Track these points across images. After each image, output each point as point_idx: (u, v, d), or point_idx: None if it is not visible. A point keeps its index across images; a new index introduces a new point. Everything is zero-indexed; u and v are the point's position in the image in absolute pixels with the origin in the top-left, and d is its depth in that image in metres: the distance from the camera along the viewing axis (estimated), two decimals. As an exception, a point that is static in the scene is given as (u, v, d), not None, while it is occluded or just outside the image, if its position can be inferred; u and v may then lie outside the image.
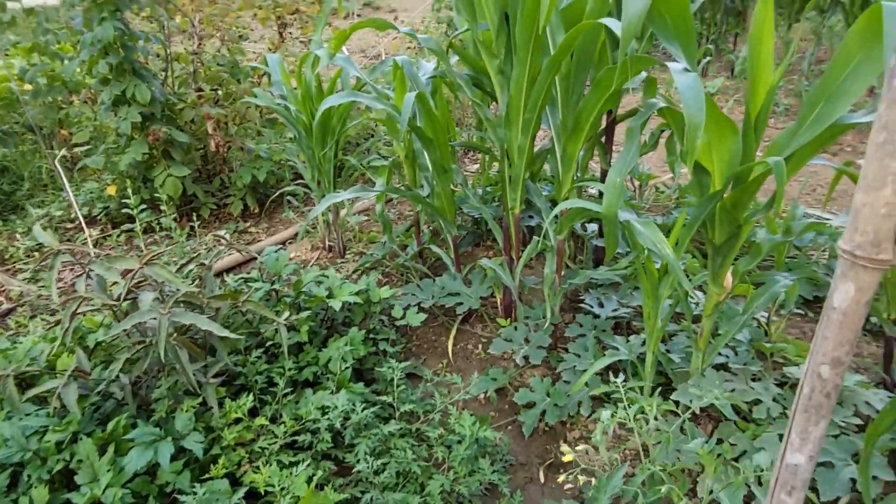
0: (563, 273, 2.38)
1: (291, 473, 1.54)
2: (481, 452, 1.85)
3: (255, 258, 3.19)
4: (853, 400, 1.95)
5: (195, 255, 2.19)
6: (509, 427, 2.16)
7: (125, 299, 1.82)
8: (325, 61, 2.51)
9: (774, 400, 1.90)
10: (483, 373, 2.27)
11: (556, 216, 2.16)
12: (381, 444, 1.77)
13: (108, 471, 1.52)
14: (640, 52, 2.28)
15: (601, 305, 2.43)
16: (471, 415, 1.79)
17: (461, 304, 2.49)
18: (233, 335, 1.66)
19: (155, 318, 1.59)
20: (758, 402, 1.90)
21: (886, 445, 1.71)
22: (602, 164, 2.67)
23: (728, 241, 1.74)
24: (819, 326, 0.46)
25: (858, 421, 1.81)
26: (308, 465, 1.62)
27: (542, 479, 1.97)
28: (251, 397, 1.78)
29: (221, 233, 2.23)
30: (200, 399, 1.77)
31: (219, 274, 3.25)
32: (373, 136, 4.48)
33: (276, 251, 2.38)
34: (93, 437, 1.62)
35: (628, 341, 2.17)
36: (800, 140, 1.49)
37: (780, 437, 1.77)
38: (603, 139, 2.59)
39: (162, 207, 3.43)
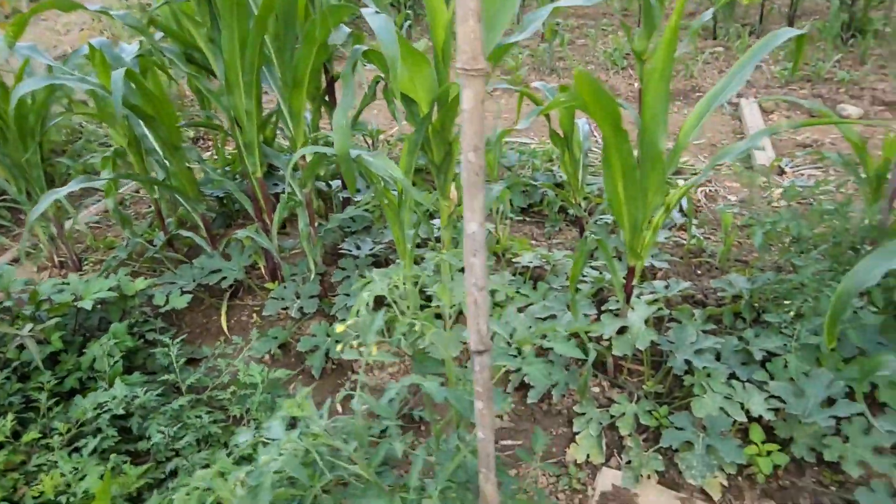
0: (317, 226, 2.53)
1: (81, 471, 1.48)
2: (274, 399, 1.95)
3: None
4: (564, 269, 2.47)
5: None
6: (300, 377, 2.27)
7: None
8: (5, 52, 2.26)
9: (508, 284, 2.32)
10: (263, 335, 2.34)
11: (297, 170, 2.29)
12: (172, 420, 1.76)
13: None
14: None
15: (358, 248, 2.65)
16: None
17: (225, 278, 2.50)
18: (-31, 352, 1.50)
19: None
20: (494, 291, 2.30)
21: (588, 291, 2.22)
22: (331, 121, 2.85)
23: (445, 159, 2.05)
24: (462, 125, 0.68)
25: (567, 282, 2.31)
26: (97, 464, 1.55)
27: (340, 410, 2.14)
28: (10, 418, 1.63)
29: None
30: (-56, 438, 1.57)
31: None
32: (81, 137, 4.06)
33: (-4, 268, 2.12)
34: None
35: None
36: (476, 63, 1.82)
37: (518, 309, 2.19)
38: (327, 98, 2.76)
39: None
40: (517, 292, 2.29)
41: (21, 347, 1.89)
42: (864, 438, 1.69)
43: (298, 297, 2.42)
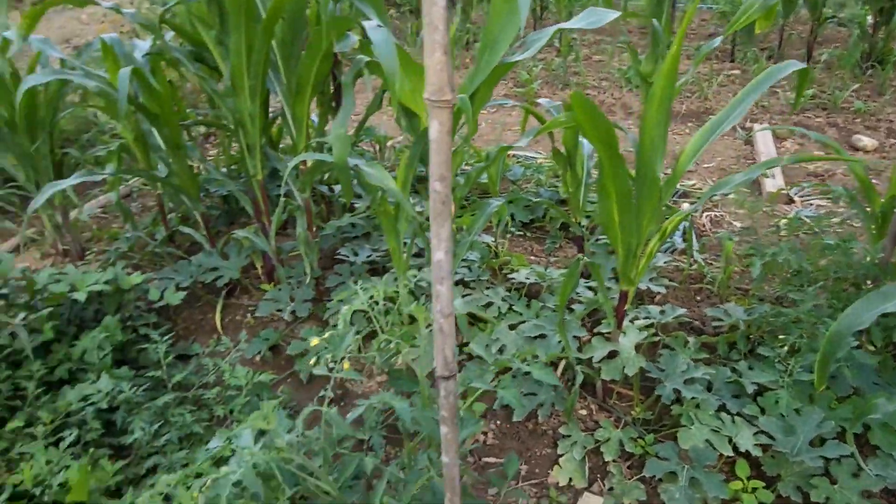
0: (315, 230, 2.54)
1: (60, 463, 1.49)
2: (260, 401, 1.95)
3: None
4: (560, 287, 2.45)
5: None
6: (289, 380, 2.27)
7: None
8: (18, 44, 2.29)
9: (503, 300, 2.31)
10: (254, 336, 2.34)
11: (298, 175, 2.30)
12: (156, 416, 1.77)
13: None
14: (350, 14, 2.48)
15: (356, 254, 2.65)
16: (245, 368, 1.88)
17: (221, 276, 2.51)
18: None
19: None
20: (490, 304, 2.29)
21: (580, 312, 2.20)
22: (338, 127, 2.87)
23: (444, 173, 2.05)
24: (429, 157, 0.68)
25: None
26: (75, 457, 1.56)
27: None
28: (-6, 406, 1.64)
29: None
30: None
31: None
32: (95, 127, 4.10)
33: (-5, 255, 2.14)
34: None
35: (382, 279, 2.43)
36: (477, 80, 1.82)
37: (510, 326, 2.18)
38: (334, 103, 2.78)
39: None
40: (511, 309, 2.28)
41: (13, 335, 1.91)
42: (853, 481, 1.66)
43: (293, 301, 2.43)
